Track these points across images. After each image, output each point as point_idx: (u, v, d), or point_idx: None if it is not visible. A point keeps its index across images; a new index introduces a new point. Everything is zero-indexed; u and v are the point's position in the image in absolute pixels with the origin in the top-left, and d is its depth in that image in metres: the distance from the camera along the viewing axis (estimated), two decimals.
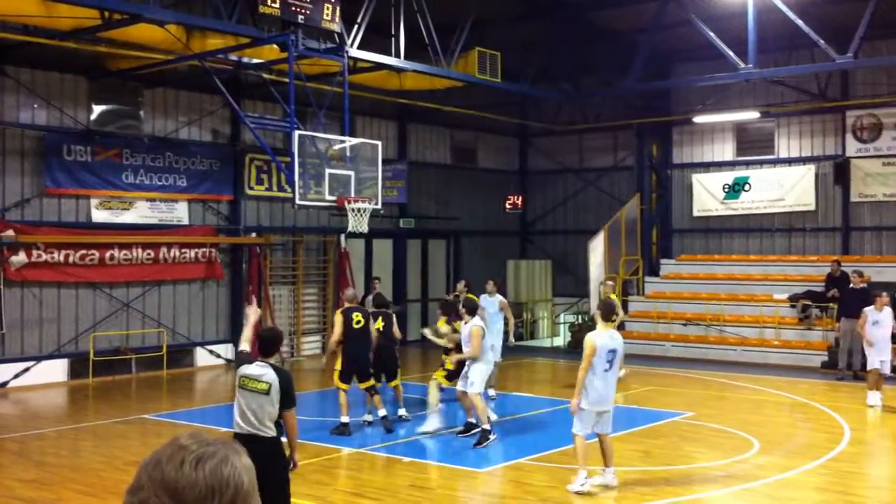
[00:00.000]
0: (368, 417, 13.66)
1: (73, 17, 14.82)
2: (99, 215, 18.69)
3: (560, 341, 26.12)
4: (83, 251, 18.14)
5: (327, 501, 9.61)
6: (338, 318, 13.16)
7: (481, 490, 10.16)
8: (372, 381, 13.32)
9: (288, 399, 7.07)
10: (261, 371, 7.06)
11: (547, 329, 28.58)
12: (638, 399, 15.93)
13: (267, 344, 7.35)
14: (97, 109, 18.69)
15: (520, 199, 27.88)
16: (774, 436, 12.92)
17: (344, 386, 13.05)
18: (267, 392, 6.99)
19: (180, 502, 1.75)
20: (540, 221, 29.20)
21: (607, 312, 10.13)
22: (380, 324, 13.78)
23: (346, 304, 13.50)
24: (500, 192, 27.82)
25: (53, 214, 18.10)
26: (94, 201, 18.62)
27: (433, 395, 13.27)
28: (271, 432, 7.04)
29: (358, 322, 13.05)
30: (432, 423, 13.11)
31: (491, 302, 16.01)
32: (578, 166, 28.38)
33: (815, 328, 20.97)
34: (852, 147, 23.13)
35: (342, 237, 22.50)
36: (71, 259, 17.99)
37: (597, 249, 24.80)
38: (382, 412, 13.19)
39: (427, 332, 14.75)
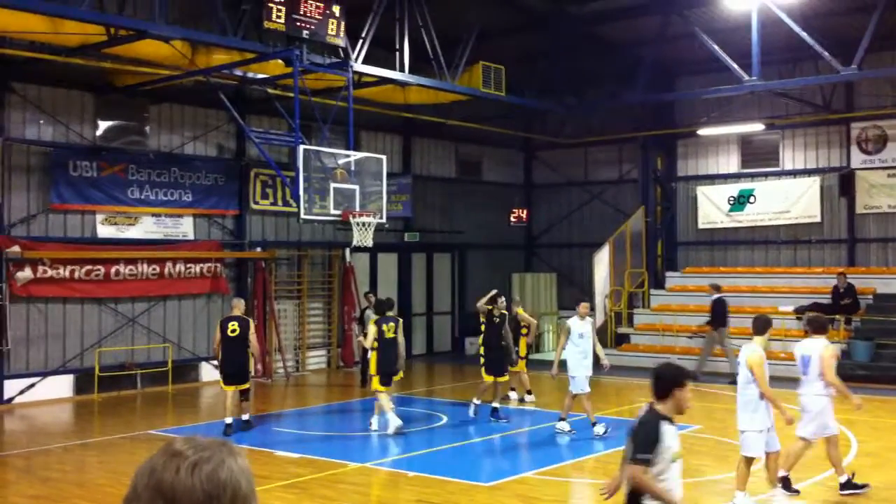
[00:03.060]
0: (228, 420, 14.40)
1: (80, 34, 14.89)
2: (104, 231, 18.72)
3: (566, 355, 26.00)
4: (88, 267, 18.16)
5: None
6: (217, 327, 14.66)
7: None
8: (246, 385, 14.63)
9: (633, 447, 5.67)
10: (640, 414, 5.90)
11: (552, 342, 28.49)
12: None
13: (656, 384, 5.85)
14: (103, 125, 18.74)
15: (525, 212, 27.88)
16: (781, 448, 12.84)
17: (228, 389, 14.41)
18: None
19: None
20: (545, 235, 29.19)
21: (761, 326, 9.93)
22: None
23: (232, 313, 14.68)
24: (505, 205, 27.82)
25: (59, 230, 18.13)
26: (99, 217, 18.65)
27: (386, 403, 14.23)
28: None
29: (233, 331, 14.28)
30: (394, 422, 14.02)
31: (582, 325, 14.51)
32: (583, 179, 28.37)
33: None
34: (857, 159, 23.12)
35: (347, 251, 22.51)
36: (76, 275, 18.01)
37: (602, 262, 24.78)
38: (246, 416, 14.67)
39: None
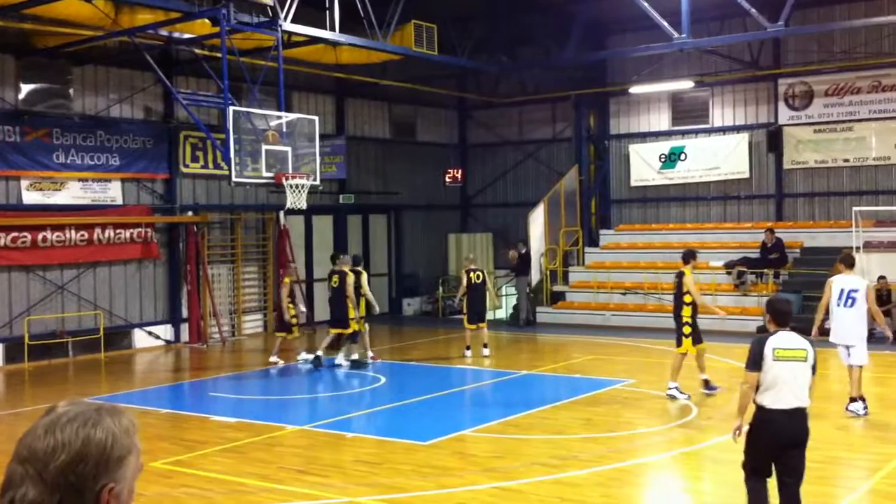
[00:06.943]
0: (318, 353, 16.92)
1: None
2: (30, 197, 18.26)
3: (502, 314, 26.20)
4: (15, 234, 17.72)
5: (273, 480, 9.55)
6: None
7: (426, 462, 10.19)
8: (348, 331, 16.87)
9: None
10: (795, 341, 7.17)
11: (489, 301, 28.60)
12: (579, 368, 16.11)
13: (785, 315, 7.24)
14: (25, 89, 18.22)
15: (460, 172, 27.88)
16: (712, 400, 13.16)
17: (331, 331, 17.15)
18: (805, 359, 7.14)
19: (39, 465, 1.82)
20: (480, 195, 29.24)
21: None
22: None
23: (339, 268, 17.10)
24: (440, 165, 27.78)
25: None
26: (24, 183, 18.18)
27: (325, 341, 17.15)
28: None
29: (334, 283, 16.89)
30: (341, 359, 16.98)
31: (850, 280, 11.92)
32: (518, 139, 28.43)
33: (751, 294, 21.37)
34: (784, 115, 23.52)
35: (281, 214, 22.30)
36: (2, 242, 17.57)
37: (537, 221, 24.94)
38: (355, 356, 17.23)
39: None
